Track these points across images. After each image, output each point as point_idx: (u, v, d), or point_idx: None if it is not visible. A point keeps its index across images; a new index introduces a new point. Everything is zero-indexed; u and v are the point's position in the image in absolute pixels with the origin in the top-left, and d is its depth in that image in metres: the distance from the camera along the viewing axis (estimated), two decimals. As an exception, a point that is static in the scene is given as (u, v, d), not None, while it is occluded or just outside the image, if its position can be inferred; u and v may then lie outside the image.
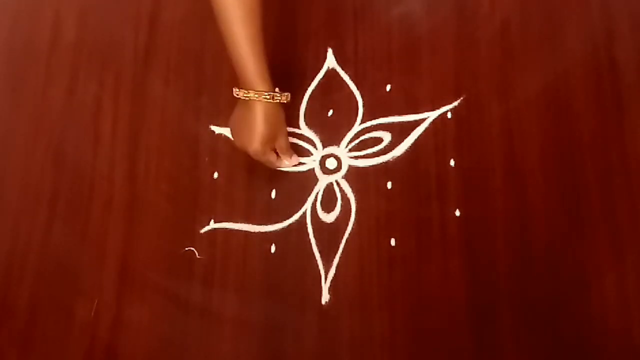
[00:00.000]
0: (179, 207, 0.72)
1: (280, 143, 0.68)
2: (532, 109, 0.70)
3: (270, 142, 0.66)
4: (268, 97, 0.62)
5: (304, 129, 0.74)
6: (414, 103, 0.72)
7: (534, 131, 0.69)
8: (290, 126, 0.74)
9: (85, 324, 0.69)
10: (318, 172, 0.72)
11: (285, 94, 0.64)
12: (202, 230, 0.71)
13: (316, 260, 0.68)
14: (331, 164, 0.72)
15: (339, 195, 0.70)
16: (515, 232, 0.66)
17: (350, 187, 0.70)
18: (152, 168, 0.74)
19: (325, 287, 0.67)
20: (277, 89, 0.66)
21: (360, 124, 0.73)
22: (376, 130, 0.72)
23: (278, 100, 0.64)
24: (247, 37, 0.62)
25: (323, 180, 0.71)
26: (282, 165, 0.70)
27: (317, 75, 0.75)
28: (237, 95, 0.63)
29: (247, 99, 0.63)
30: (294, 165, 0.71)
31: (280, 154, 0.69)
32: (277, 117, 0.66)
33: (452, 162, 0.69)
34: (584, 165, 0.67)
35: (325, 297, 0.67)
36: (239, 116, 0.66)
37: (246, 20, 0.62)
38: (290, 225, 0.70)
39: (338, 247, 0.68)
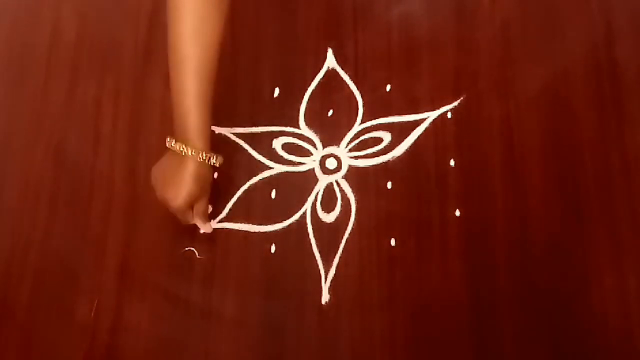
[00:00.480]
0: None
1: (200, 207, 0.66)
2: (532, 108, 0.70)
3: (194, 201, 0.64)
4: (204, 157, 0.61)
5: (304, 129, 0.74)
6: (414, 103, 0.72)
7: (534, 131, 0.69)
8: (290, 126, 0.74)
9: (85, 324, 0.69)
10: (318, 172, 0.72)
11: (219, 157, 0.63)
12: (202, 230, 0.71)
13: (316, 260, 0.68)
14: (331, 164, 0.72)
15: (339, 195, 0.70)
16: (515, 232, 0.66)
17: (350, 187, 0.70)
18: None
19: (325, 287, 0.67)
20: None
21: (360, 124, 0.73)
22: (376, 130, 0.72)
23: (212, 163, 0.62)
24: (197, 92, 0.59)
25: (323, 180, 0.71)
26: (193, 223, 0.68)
27: (317, 75, 0.75)
28: (172, 146, 0.61)
29: (181, 153, 0.60)
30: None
31: (195, 216, 0.67)
32: (207, 179, 0.64)
33: (452, 162, 0.69)
34: (584, 165, 0.67)
35: (325, 297, 0.67)
36: (167, 167, 0.63)
37: (200, 73, 0.59)
38: (290, 225, 0.70)
39: (338, 247, 0.68)
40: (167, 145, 0.62)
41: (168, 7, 0.59)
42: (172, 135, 0.62)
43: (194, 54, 0.59)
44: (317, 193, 0.71)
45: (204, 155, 0.61)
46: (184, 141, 0.61)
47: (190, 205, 0.65)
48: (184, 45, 0.59)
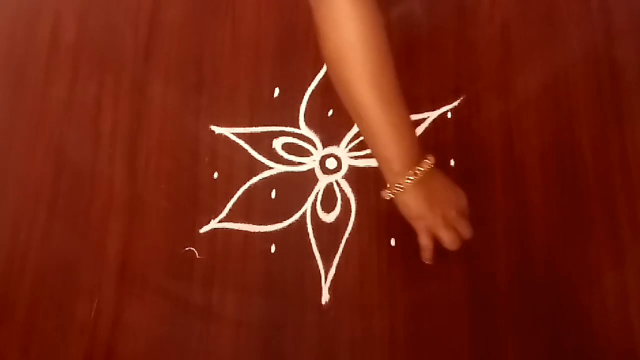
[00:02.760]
0: (179, 207, 0.72)
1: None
2: (532, 108, 0.70)
3: None
4: (429, 161, 0.57)
5: (304, 129, 0.74)
6: (414, 103, 0.72)
7: (534, 131, 0.69)
8: (290, 126, 0.74)
9: (85, 324, 0.69)
10: (318, 172, 0.72)
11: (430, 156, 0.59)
12: (202, 230, 0.71)
13: (316, 260, 0.68)
14: (331, 164, 0.72)
15: (339, 195, 0.70)
16: (515, 232, 0.66)
17: (350, 187, 0.70)
18: (152, 168, 0.74)
19: (325, 287, 0.67)
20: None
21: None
22: (376, 130, 0.72)
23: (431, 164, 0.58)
24: (386, 121, 0.54)
25: (323, 180, 0.71)
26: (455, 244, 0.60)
27: (317, 75, 0.75)
28: (416, 174, 0.56)
29: (428, 169, 0.56)
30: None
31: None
32: None
33: (452, 162, 0.69)
34: (584, 165, 0.67)
35: (325, 297, 0.67)
36: (425, 192, 0.57)
37: (387, 104, 0.54)
38: (290, 225, 0.70)
39: (338, 247, 0.68)
40: (405, 187, 0.56)
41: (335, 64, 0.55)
42: (394, 176, 0.57)
43: (373, 93, 0.54)
44: (317, 193, 0.71)
45: (431, 157, 0.58)
46: (417, 162, 0.56)
47: None
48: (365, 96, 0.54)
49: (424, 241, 0.60)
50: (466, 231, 0.60)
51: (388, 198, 0.58)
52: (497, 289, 0.64)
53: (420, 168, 0.56)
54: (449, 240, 0.59)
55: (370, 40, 0.53)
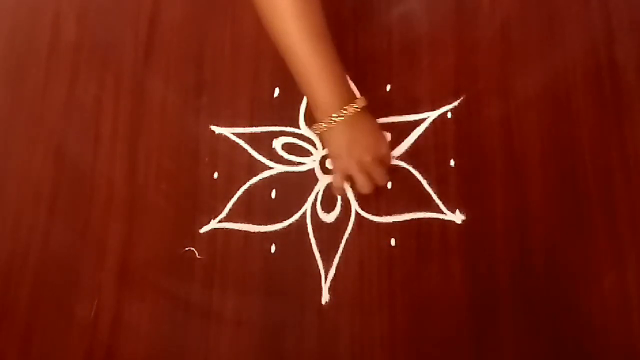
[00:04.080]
0: (179, 207, 0.72)
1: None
2: (532, 108, 0.70)
3: None
4: (364, 101, 0.60)
5: (304, 129, 0.73)
6: (414, 103, 0.72)
7: (534, 131, 0.69)
8: (290, 126, 0.74)
9: (85, 324, 0.69)
10: (318, 172, 0.72)
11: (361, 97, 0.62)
12: (202, 230, 0.71)
13: (316, 260, 0.68)
14: (331, 163, 0.72)
15: (339, 195, 0.70)
16: (515, 232, 0.66)
17: (350, 187, 0.70)
18: (152, 168, 0.74)
19: (325, 287, 0.67)
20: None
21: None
22: (376, 130, 0.72)
23: (362, 105, 0.61)
24: (320, 56, 0.57)
25: (323, 180, 0.71)
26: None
27: (317, 75, 0.75)
28: (340, 115, 0.59)
29: (355, 112, 0.59)
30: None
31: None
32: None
33: (452, 162, 0.69)
34: (584, 165, 0.67)
35: (325, 297, 0.67)
36: (346, 134, 0.61)
37: (313, 38, 0.57)
38: (290, 225, 0.70)
39: (338, 247, 0.68)
40: (328, 125, 0.59)
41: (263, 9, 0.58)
42: (316, 111, 0.60)
43: (300, 26, 0.57)
44: (317, 193, 0.71)
45: (362, 99, 0.61)
46: (345, 103, 0.59)
47: None
48: (290, 25, 0.57)
49: (337, 180, 0.65)
50: (380, 178, 0.64)
51: (315, 133, 0.62)
52: (498, 288, 0.64)
53: (345, 109, 0.59)
54: (359, 183, 0.63)
55: None
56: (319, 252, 0.68)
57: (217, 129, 0.75)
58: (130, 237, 0.72)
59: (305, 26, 0.57)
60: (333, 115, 0.59)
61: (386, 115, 0.72)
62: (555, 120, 0.69)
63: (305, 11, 0.57)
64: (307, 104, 0.61)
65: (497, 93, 0.71)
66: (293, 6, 0.56)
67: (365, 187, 0.63)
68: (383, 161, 0.64)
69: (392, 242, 0.67)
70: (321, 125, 0.61)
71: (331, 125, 0.60)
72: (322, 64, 0.59)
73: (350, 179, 0.65)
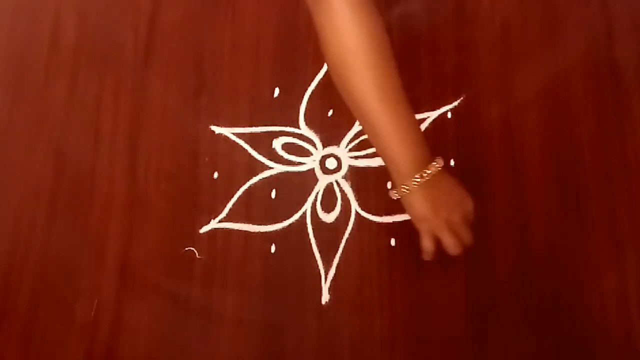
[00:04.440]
0: (179, 207, 0.72)
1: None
2: (532, 109, 0.70)
3: None
4: (437, 163, 0.57)
5: (304, 129, 0.74)
6: (414, 103, 0.71)
7: (534, 131, 0.69)
8: (290, 126, 0.74)
9: (85, 324, 0.69)
10: (318, 172, 0.72)
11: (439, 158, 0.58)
12: (202, 230, 0.71)
13: (316, 260, 0.68)
14: (331, 164, 0.72)
15: (339, 195, 0.70)
16: (515, 232, 0.66)
17: (350, 187, 0.70)
18: (152, 168, 0.74)
19: (325, 287, 0.67)
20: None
21: (360, 124, 0.73)
22: (376, 130, 0.72)
23: (439, 166, 0.57)
24: (391, 124, 0.54)
25: (323, 180, 0.71)
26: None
27: (317, 75, 0.75)
28: (420, 179, 0.55)
29: (435, 172, 0.56)
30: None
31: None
32: None
33: (452, 162, 0.69)
34: (584, 165, 0.67)
35: (325, 297, 0.67)
36: (432, 194, 0.57)
37: (392, 105, 0.54)
38: (290, 225, 0.70)
39: (338, 247, 0.68)
40: (410, 188, 0.56)
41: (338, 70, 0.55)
42: (401, 177, 0.57)
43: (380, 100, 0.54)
44: (317, 193, 0.71)
45: (439, 159, 0.57)
46: (425, 164, 0.56)
47: None
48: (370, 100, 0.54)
49: (426, 243, 0.60)
50: (468, 237, 0.60)
51: (395, 198, 0.58)
52: (497, 289, 0.64)
53: (427, 171, 0.55)
54: (450, 245, 0.58)
55: (371, 44, 0.53)
56: (319, 252, 0.68)
57: (217, 129, 0.75)
58: (130, 237, 0.72)
59: (383, 86, 0.54)
60: (415, 177, 0.55)
61: (386, 115, 0.72)
62: (555, 120, 0.69)
63: (384, 80, 0.55)
64: (387, 166, 0.58)
65: (497, 93, 0.71)
66: (371, 77, 0.54)
67: (455, 248, 0.59)
68: (469, 219, 0.60)
69: (392, 242, 0.67)
70: (404, 189, 0.56)
71: (414, 188, 0.56)
72: (402, 126, 0.56)
73: (436, 239, 0.60)
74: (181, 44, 0.79)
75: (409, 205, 0.58)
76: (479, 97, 0.71)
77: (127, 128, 0.76)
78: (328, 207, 0.70)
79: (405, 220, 0.68)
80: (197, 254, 0.70)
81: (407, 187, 0.56)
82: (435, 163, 0.56)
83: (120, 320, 0.69)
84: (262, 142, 0.74)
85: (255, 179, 0.72)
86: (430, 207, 0.57)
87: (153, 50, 0.79)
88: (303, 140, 0.73)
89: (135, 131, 0.76)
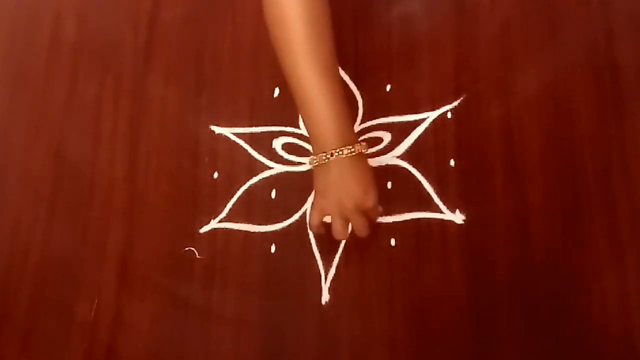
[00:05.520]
0: (179, 207, 0.72)
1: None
2: (532, 109, 0.70)
3: None
4: (364, 148, 0.58)
5: (304, 129, 0.74)
6: (414, 103, 0.72)
7: (534, 131, 0.69)
8: (290, 126, 0.74)
9: (85, 324, 0.69)
10: (318, 172, 0.72)
11: (364, 143, 0.60)
12: (202, 230, 0.71)
13: (316, 260, 0.68)
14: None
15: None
16: (515, 232, 0.66)
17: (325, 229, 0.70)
18: (152, 168, 0.74)
19: (325, 287, 0.67)
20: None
21: (360, 124, 0.73)
22: (376, 130, 0.72)
23: (365, 150, 0.59)
24: (326, 89, 0.56)
25: (323, 180, 0.71)
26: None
27: (317, 75, 0.75)
28: (330, 158, 0.57)
29: (349, 154, 0.57)
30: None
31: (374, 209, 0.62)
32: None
33: (452, 162, 0.69)
34: (584, 165, 0.67)
35: (325, 297, 0.67)
36: (334, 179, 0.58)
37: (322, 70, 0.56)
38: (290, 225, 0.70)
39: (338, 247, 0.68)
40: (319, 161, 0.58)
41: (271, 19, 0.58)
42: (316, 146, 0.59)
43: (312, 56, 0.57)
44: (317, 193, 0.71)
45: (361, 145, 0.59)
46: (343, 143, 0.57)
47: None
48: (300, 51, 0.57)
49: (313, 218, 0.62)
50: (359, 229, 0.61)
51: (309, 165, 0.60)
52: (498, 288, 0.64)
53: (341, 150, 0.57)
54: (334, 227, 0.61)
55: (310, 10, 0.56)
56: (319, 252, 0.68)
57: (217, 129, 0.75)
58: (130, 237, 0.72)
59: (315, 58, 0.56)
60: (333, 151, 0.57)
61: (386, 115, 0.72)
62: (555, 120, 0.69)
63: (317, 43, 0.57)
64: (310, 136, 0.60)
65: (497, 93, 0.71)
66: (305, 36, 0.56)
67: (339, 234, 0.61)
68: (368, 214, 0.61)
69: (392, 242, 0.67)
70: (314, 159, 0.59)
71: (323, 162, 0.58)
72: (331, 97, 0.57)
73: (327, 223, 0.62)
74: (181, 43, 0.79)
75: (315, 176, 0.60)
76: (479, 97, 0.71)
77: (127, 128, 0.76)
78: (328, 207, 0.70)
79: (405, 220, 0.68)
80: (197, 254, 0.70)
81: (317, 159, 0.58)
82: (358, 145, 0.58)
83: (120, 320, 0.69)
84: (262, 142, 0.74)
85: (255, 179, 0.72)
86: (330, 184, 0.59)
87: (153, 50, 0.79)
88: (303, 140, 0.73)
89: (135, 131, 0.76)
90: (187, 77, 0.78)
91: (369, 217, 0.62)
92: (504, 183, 0.68)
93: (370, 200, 0.60)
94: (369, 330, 0.65)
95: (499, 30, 0.74)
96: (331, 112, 0.57)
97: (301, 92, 0.58)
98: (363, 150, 0.59)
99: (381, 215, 0.67)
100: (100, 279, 0.70)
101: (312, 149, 0.60)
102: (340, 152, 0.57)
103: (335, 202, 0.59)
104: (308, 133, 0.60)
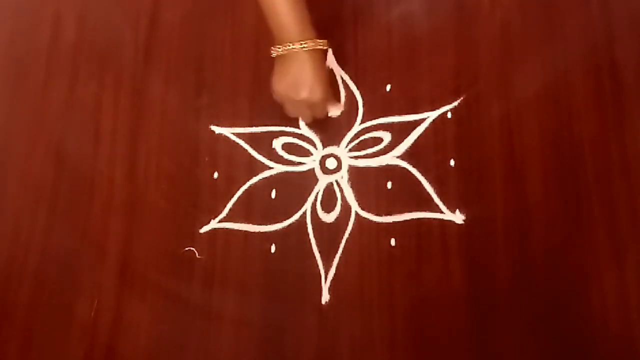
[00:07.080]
0: (179, 207, 0.72)
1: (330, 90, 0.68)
2: (532, 109, 0.70)
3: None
4: (322, 43, 0.63)
5: (304, 129, 0.74)
6: (414, 103, 0.72)
7: (534, 131, 0.69)
8: (290, 126, 0.74)
9: (85, 324, 0.69)
10: (318, 172, 0.72)
11: (324, 40, 0.65)
12: (202, 230, 0.71)
13: (316, 260, 0.68)
14: (331, 164, 0.72)
15: (338, 195, 0.70)
16: (515, 232, 0.66)
17: (350, 187, 0.70)
18: (152, 168, 0.74)
19: (325, 287, 0.67)
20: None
21: (360, 123, 0.73)
22: (376, 130, 0.72)
23: (323, 46, 0.64)
24: None
25: (323, 180, 0.71)
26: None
27: (317, 75, 0.75)
28: (289, 49, 0.62)
29: (302, 49, 0.62)
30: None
31: (330, 102, 0.69)
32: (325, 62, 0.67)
33: (452, 162, 0.69)
34: (584, 165, 0.67)
35: (325, 297, 0.67)
36: (291, 71, 0.64)
37: None
38: (290, 225, 0.70)
39: (338, 247, 0.68)
40: (279, 51, 0.63)
41: None
42: (278, 40, 0.64)
43: None
44: (317, 193, 0.71)
45: (320, 41, 0.63)
46: (303, 38, 0.62)
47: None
48: None
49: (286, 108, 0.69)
50: (304, 118, 0.70)
51: (272, 55, 0.64)
52: (497, 288, 0.64)
53: (306, 42, 0.62)
54: (286, 110, 0.69)
55: None
56: (319, 252, 0.68)
57: (217, 129, 0.75)
58: (130, 237, 0.72)
59: None
60: (288, 45, 0.62)
61: (386, 115, 0.72)
62: (555, 120, 0.69)
63: None
64: (272, 28, 0.64)
65: (497, 93, 0.71)
66: None
67: (290, 113, 0.69)
68: (313, 108, 0.67)
69: (392, 242, 0.67)
70: (279, 47, 0.63)
71: (286, 52, 0.63)
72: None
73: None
74: (181, 43, 0.79)
75: (275, 65, 0.66)
76: (479, 97, 0.71)
77: (127, 128, 0.76)
78: (328, 207, 0.70)
79: (405, 220, 0.68)
80: (197, 254, 0.70)
81: (275, 50, 0.63)
82: (311, 42, 0.62)
83: (120, 320, 0.69)
84: (262, 142, 0.74)
85: (255, 179, 0.72)
86: (287, 74, 0.64)
87: (153, 50, 0.79)
88: (303, 140, 0.73)
89: (135, 131, 0.76)
90: (187, 77, 0.78)
91: (314, 112, 0.68)
92: (504, 183, 0.68)
93: (316, 95, 0.64)
94: (369, 330, 0.65)
95: (499, 30, 0.74)
96: (295, 7, 0.62)
97: None
98: (325, 47, 0.64)
99: (340, 112, 0.73)
100: (100, 279, 0.70)
101: (276, 40, 0.64)
102: (305, 45, 0.62)
103: (285, 89, 0.65)
104: (272, 25, 0.64)
